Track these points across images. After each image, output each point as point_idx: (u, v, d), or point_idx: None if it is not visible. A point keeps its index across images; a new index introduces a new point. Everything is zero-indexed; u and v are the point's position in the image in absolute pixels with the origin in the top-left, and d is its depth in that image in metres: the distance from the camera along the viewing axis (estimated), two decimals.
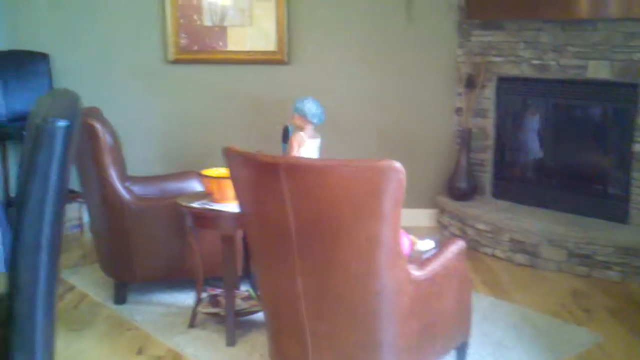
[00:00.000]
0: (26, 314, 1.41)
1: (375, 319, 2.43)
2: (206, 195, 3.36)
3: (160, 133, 5.24)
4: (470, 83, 4.93)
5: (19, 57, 5.04)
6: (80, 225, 5.07)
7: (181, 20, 5.13)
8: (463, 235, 4.74)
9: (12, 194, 5.01)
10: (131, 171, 3.95)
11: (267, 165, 2.34)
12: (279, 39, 5.14)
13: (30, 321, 1.42)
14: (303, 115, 4.17)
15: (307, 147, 4.20)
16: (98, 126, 3.49)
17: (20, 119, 4.79)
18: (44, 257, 1.40)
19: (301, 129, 4.21)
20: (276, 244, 2.45)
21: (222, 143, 2.63)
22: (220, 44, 5.17)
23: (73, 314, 3.65)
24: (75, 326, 3.50)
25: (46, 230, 1.39)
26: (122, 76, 5.23)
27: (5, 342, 1.42)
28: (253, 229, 2.59)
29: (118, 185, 3.57)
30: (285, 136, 4.40)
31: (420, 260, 2.62)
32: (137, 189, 3.73)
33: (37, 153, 1.37)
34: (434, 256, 2.65)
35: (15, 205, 1.45)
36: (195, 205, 3.27)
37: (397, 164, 2.24)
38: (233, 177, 2.59)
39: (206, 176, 3.32)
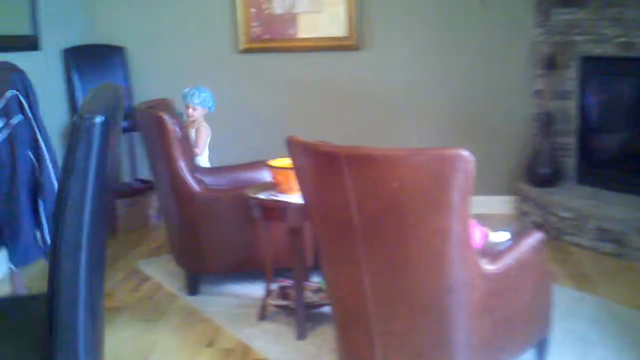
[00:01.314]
0: (67, 315, 1.38)
1: (446, 316, 2.32)
2: (274, 186, 3.31)
3: (231, 123, 5.22)
4: (551, 64, 4.69)
5: (97, 50, 5.14)
6: (160, 216, 5.14)
7: (252, 10, 5.11)
8: (545, 223, 4.54)
9: None
10: None
11: (328, 155, 2.26)
12: (350, 24, 5.04)
13: (72, 322, 1.39)
14: (206, 107, 4.11)
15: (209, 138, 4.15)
16: (166, 118, 3.49)
17: None
18: (83, 256, 1.37)
19: (200, 119, 4.11)
20: (340, 237, 2.37)
21: (293, 132, 2.57)
22: (291, 31, 5.12)
23: (148, 305, 3.68)
24: (149, 316, 3.53)
25: (86, 228, 1.36)
26: (194, 67, 5.26)
27: (48, 343, 1.40)
28: (317, 222, 2.51)
29: (187, 176, 3.56)
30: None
31: (493, 253, 2.48)
32: (207, 179, 3.71)
33: (74, 150, 1.34)
34: (509, 249, 2.51)
35: (56, 204, 1.42)
36: (262, 196, 3.23)
37: (465, 153, 2.10)
38: (296, 168, 2.52)
39: (273, 167, 3.27)
